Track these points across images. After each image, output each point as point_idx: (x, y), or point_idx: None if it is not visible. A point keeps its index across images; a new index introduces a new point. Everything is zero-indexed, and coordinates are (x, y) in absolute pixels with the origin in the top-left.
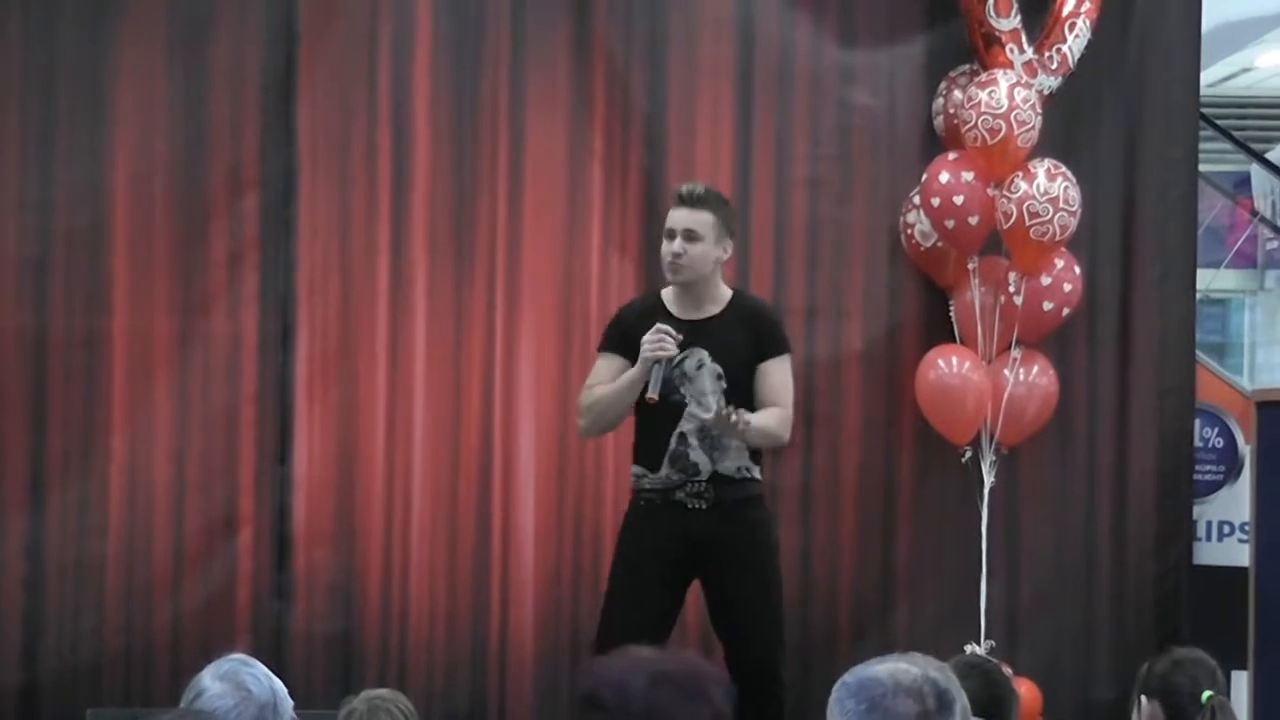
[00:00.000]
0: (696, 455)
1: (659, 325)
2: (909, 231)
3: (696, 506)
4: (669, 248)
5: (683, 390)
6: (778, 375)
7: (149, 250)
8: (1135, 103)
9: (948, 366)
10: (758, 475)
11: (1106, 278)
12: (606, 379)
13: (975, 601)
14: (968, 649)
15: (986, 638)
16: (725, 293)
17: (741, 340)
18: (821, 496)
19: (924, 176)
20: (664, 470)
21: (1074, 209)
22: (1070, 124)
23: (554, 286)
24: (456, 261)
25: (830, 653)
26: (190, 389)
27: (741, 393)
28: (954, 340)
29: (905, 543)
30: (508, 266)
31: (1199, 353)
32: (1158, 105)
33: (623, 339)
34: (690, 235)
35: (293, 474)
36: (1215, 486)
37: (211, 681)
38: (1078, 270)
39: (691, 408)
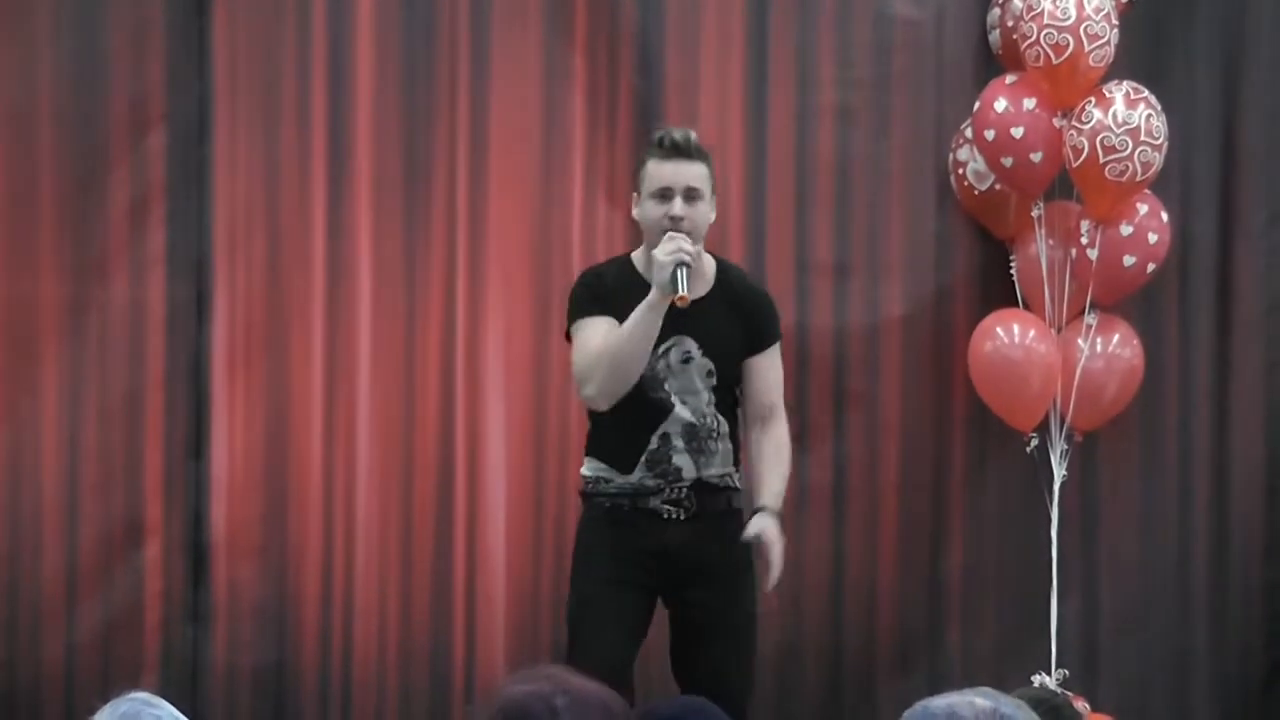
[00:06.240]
0: (680, 459)
1: (670, 233)
2: (960, 172)
3: (674, 516)
4: (667, 210)
5: (668, 387)
6: (776, 370)
7: (32, 202)
8: (1236, 14)
9: (1008, 336)
10: (738, 484)
11: (1201, 227)
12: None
13: (1044, 623)
14: (1035, 680)
15: (1058, 667)
16: (710, 265)
17: (734, 329)
18: (856, 495)
19: (976, 105)
20: (637, 474)
21: (1159, 142)
22: (1156, 40)
23: (527, 242)
24: (408, 212)
25: (867, 685)
26: (85, 369)
27: (727, 392)
28: (1016, 304)
29: (958, 551)
30: (470, 217)
31: None
32: (1264, 17)
33: (610, 301)
34: (691, 194)
35: (210, 472)
36: None
37: None
38: (1165, 217)
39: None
